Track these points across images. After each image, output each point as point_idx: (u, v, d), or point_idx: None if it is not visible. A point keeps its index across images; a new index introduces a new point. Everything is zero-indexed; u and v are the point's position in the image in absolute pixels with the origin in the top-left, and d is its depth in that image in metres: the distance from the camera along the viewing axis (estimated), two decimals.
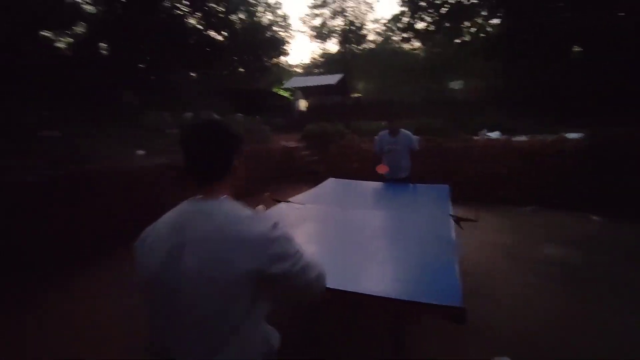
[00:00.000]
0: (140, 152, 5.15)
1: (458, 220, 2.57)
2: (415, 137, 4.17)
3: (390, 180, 4.04)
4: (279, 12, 23.30)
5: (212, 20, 22.07)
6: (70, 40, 17.75)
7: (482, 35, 20.81)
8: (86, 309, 2.58)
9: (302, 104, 19.03)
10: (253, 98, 18.28)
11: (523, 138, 6.29)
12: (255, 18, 22.22)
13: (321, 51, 31.07)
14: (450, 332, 2.16)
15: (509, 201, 5.42)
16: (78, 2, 15.50)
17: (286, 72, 30.85)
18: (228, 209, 0.86)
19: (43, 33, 15.31)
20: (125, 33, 12.97)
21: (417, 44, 23.98)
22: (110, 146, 5.15)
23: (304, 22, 35.14)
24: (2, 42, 10.15)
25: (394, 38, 25.91)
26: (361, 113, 14.08)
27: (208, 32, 21.53)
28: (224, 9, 20.53)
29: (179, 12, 18.56)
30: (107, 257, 3.36)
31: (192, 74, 25.51)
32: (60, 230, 3.32)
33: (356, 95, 22.24)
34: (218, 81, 23.61)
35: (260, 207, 2.32)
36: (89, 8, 15.95)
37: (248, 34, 21.66)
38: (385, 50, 26.21)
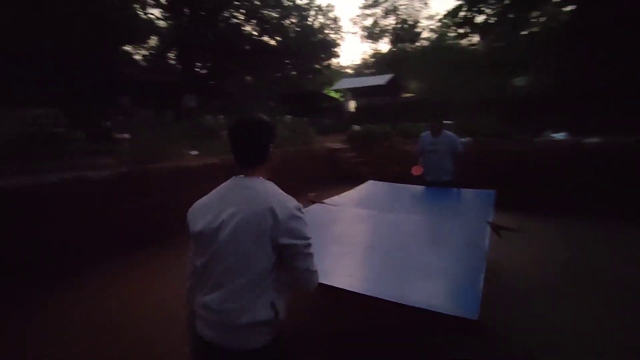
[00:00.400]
0: (194, 152, 5.61)
1: (497, 228, 2.41)
2: (460, 139, 3.97)
3: (431, 183, 3.89)
4: (330, 15, 23.47)
5: (266, 27, 23.11)
6: (145, 52, 19.95)
7: (553, 24, 18.76)
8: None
9: (352, 105, 18.98)
10: (304, 100, 18.73)
11: (595, 140, 5.57)
12: (306, 22, 22.73)
13: (372, 51, 30.68)
14: None
15: (572, 211, 4.87)
16: (152, 19, 17.32)
17: (337, 73, 31.05)
18: (265, 185, 1.06)
19: (125, 48, 17.43)
20: (189, 43, 14.15)
21: (475, 39, 22.48)
22: (171, 147, 5.71)
23: (355, 23, 35.06)
24: (88, 57, 11.76)
25: (450, 34, 24.60)
26: (412, 114, 13.67)
27: (262, 37, 22.59)
28: (277, 15, 21.35)
29: (236, 20, 19.72)
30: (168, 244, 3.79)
31: (247, 77, 26.99)
32: (125, 219, 3.79)
33: (408, 95, 21.57)
34: (272, 84, 24.65)
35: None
36: (161, 23, 17.76)
37: (300, 38, 22.24)
38: (440, 48, 25.02)
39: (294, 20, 22.20)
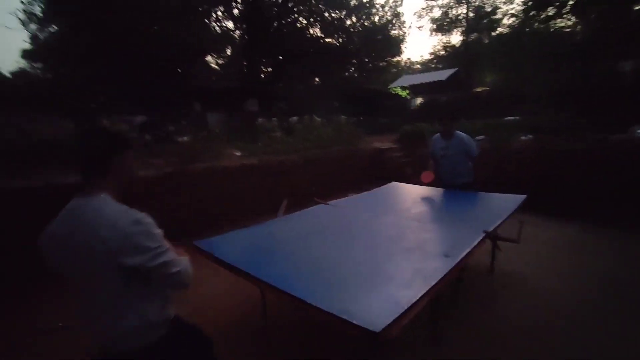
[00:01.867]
0: (238, 153, 6.09)
1: (495, 239, 2.16)
2: (472, 141, 3.61)
3: (449, 186, 3.61)
4: (394, 11, 22.68)
5: (330, 28, 23.44)
6: (220, 61, 22.04)
7: None
8: None
9: (419, 103, 18.16)
10: (367, 99, 18.56)
11: None
12: (370, 20, 22.43)
13: (442, 44, 28.77)
14: None
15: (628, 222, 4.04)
16: (229, 30, 19.04)
17: (404, 69, 29.93)
18: (98, 205, 1.02)
19: (206, 59, 19.55)
20: (252, 50, 15.22)
21: (566, 21, 19.36)
22: (220, 148, 6.30)
23: (420, 16, 33.26)
24: (170, 68, 13.55)
25: (537, 17, 21.63)
26: (484, 109, 12.60)
27: (326, 39, 23.00)
28: (341, 16, 21.52)
29: (299, 24, 20.45)
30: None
31: (316, 79, 27.76)
32: (165, 214, 4.33)
33: (480, 89, 19.73)
34: (336, 85, 24.94)
35: (284, 202, 2.55)
36: (236, 33, 19.42)
37: (363, 37, 22.03)
38: (523, 34, 22.22)
39: (356, 20, 22.10)
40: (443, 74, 15.30)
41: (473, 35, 26.33)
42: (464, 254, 1.84)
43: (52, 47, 13.13)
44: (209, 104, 14.00)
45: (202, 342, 1.34)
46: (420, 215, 2.81)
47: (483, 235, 2.12)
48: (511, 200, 2.96)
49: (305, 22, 20.80)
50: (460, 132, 3.72)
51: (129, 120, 14.09)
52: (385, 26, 22.08)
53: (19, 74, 21.17)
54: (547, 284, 3.04)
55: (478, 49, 24.68)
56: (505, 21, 25.48)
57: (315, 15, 19.94)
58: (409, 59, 33.38)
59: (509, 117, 9.25)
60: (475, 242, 1.99)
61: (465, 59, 23.53)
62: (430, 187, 3.81)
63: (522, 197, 3.03)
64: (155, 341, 1.11)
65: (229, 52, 20.53)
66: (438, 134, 3.77)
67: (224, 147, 6.15)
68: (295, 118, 10.80)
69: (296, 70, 23.31)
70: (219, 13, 16.40)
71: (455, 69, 16.23)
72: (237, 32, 18.79)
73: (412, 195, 3.61)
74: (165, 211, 4.33)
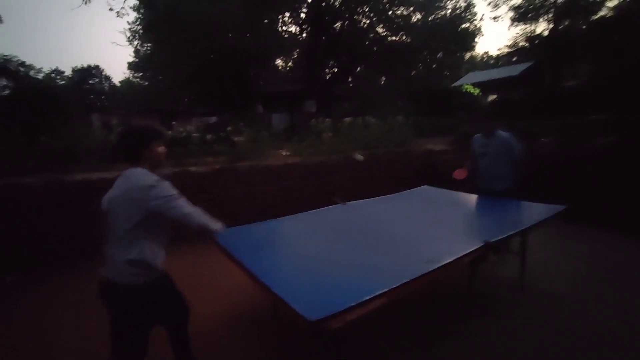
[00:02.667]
0: (284, 152, 6.48)
1: (490, 248, 2.06)
2: (516, 141, 3.35)
3: (484, 192, 3.41)
4: (465, 3, 21.07)
5: (394, 26, 22.85)
6: (288, 64, 23.18)
7: None
8: None
9: (490, 100, 16.71)
10: (434, 98, 17.71)
11: None
12: (438, 15, 21.27)
13: (525, 34, 25.77)
14: None
15: None
16: (294, 34, 20.00)
17: (479, 65, 27.64)
18: (136, 172, 1.55)
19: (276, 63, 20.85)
20: (314, 52, 15.72)
21: None
22: (269, 147, 6.78)
23: (496, 6, 30.22)
24: (240, 74, 14.83)
25: None
26: (569, 106, 11.12)
27: (392, 37, 22.51)
28: (407, 13, 20.86)
29: (363, 24, 20.39)
30: None
31: (382, 78, 27.41)
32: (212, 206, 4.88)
33: (570, 83, 17.23)
34: (401, 83, 24.27)
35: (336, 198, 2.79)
36: (301, 36, 20.29)
37: (431, 33, 21.02)
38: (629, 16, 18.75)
39: (422, 16, 21.17)
40: (515, 69, 13.79)
41: (564, 22, 23.07)
42: (445, 262, 1.81)
43: (147, 59, 15.41)
44: (272, 106, 14.96)
45: (180, 306, 1.64)
46: (430, 219, 2.74)
47: (480, 244, 2.03)
48: (542, 212, 2.70)
49: (368, 21, 20.69)
50: (503, 131, 3.51)
51: (205, 120, 15.78)
52: (454, 20, 20.71)
53: (125, 83, 25.20)
54: (586, 311, 2.70)
55: (570, 38, 21.56)
56: (609, 3, 21.78)
57: (379, 14, 19.67)
58: (486, 52, 30.77)
59: (596, 116, 8.04)
60: (465, 252, 1.93)
61: (552, 49, 20.78)
62: (464, 193, 3.66)
63: (558, 208, 2.74)
64: (143, 283, 1.49)
65: (293, 55, 21.46)
66: (479, 133, 3.63)
67: (273, 146, 6.60)
68: (348, 119, 10.92)
69: (360, 70, 23.32)
70: (285, 18, 17.31)
71: (530, 63, 14.47)
72: (303, 35, 19.61)
73: (436, 199, 3.49)
74: (214, 203, 4.89)
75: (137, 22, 12.95)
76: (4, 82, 15.89)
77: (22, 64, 16.23)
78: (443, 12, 20.88)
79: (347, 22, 18.73)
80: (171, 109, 18.61)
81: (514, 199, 3.26)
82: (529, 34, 25.69)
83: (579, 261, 3.70)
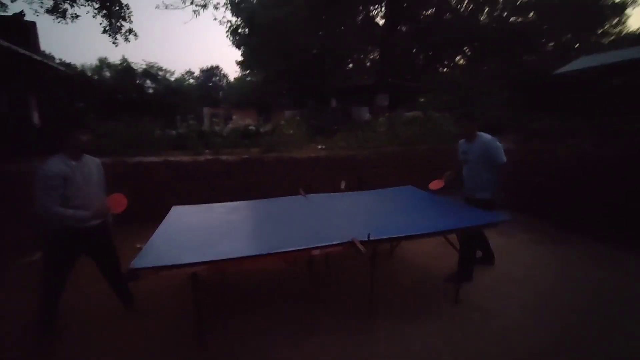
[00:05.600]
0: (321, 146, 6.90)
1: (354, 247, 2.14)
2: (498, 145, 3.01)
3: (468, 201, 3.21)
4: None
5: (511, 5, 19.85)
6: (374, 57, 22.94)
7: None
8: None
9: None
10: (551, 88, 15.07)
11: None
12: None
13: None
14: None
15: None
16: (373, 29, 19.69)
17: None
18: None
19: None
20: (393, 46, 15.25)
21: None
22: (306, 140, 7.30)
23: None
24: (317, 69, 15.58)
25: None
26: None
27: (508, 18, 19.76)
28: None
29: (462, 10, 18.50)
30: None
31: (484, 68, 24.43)
32: (235, 190, 5.71)
33: None
34: (518, 69, 21.13)
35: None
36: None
37: (563, 10, 17.55)
38: None
39: None
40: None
41: None
42: (287, 249, 2.04)
43: (245, 59, 17.61)
44: (348, 100, 15.33)
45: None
46: (358, 214, 2.84)
47: (346, 240, 2.14)
48: (473, 220, 2.51)
49: (470, 6, 18.63)
50: (485, 134, 3.20)
51: (290, 113, 17.23)
52: None
53: (238, 80, 29.11)
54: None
55: None
56: None
57: None
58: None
59: None
60: (320, 244, 2.09)
61: None
62: (444, 198, 3.48)
63: (498, 218, 2.49)
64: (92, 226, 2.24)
65: (368, 49, 21.03)
66: (462, 138, 3.39)
67: (310, 140, 7.10)
68: (412, 113, 10.45)
69: (459, 59, 21.36)
70: (362, 16, 17.10)
71: None
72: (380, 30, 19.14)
73: (408, 200, 3.44)
74: (241, 187, 5.74)
75: (228, 30, 15.02)
76: (148, 83, 20.66)
77: (160, 68, 20.81)
78: None
79: (438, 9, 17.38)
80: (266, 103, 20.89)
81: (490, 209, 3.00)
82: None
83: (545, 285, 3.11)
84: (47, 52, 17.32)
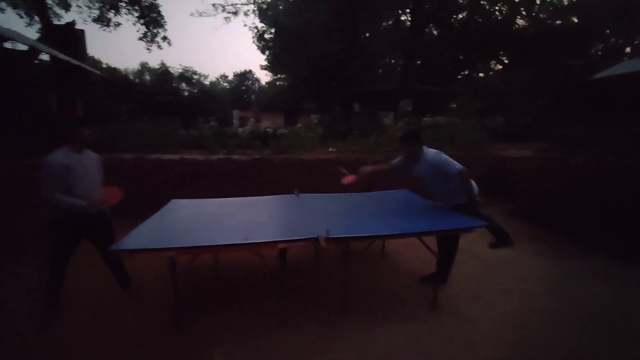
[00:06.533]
0: (331, 149, 7.02)
1: (319, 243, 2.24)
2: (443, 157, 2.94)
3: (454, 207, 3.18)
4: None
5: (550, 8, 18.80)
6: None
7: None
8: None
9: None
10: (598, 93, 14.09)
11: None
12: None
13: None
14: None
15: None
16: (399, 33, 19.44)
17: None
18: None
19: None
20: (415, 52, 15.02)
21: None
22: (318, 143, 7.44)
23: None
24: (342, 74, 15.72)
25: None
26: None
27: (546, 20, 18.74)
28: None
29: (496, 14, 17.83)
30: None
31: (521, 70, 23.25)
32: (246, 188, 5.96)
33: None
34: (561, 74, 19.98)
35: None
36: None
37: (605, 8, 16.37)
38: None
39: None
40: None
41: None
42: (255, 241, 2.18)
43: (273, 64, 18.15)
44: (371, 104, 15.31)
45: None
46: (339, 216, 2.92)
47: (312, 236, 2.24)
48: (447, 224, 2.50)
49: (505, 9, 17.86)
50: (429, 150, 3.06)
51: (311, 117, 17.52)
52: None
53: (269, 84, 29.92)
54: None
55: None
56: None
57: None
58: None
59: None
60: (280, 239, 2.22)
61: None
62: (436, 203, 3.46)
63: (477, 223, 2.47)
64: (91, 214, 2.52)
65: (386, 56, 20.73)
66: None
67: (321, 142, 7.24)
68: (438, 118, 10.25)
69: (493, 63, 20.57)
70: (399, 16, 17.03)
71: None
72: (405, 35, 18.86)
73: (395, 202, 3.47)
74: (252, 185, 5.98)
75: (255, 35, 15.61)
76: (184, 86, 21.90)
77: (194, 72, 21.99)
78: None
79: (471, 12, 16.89)
80: (292, 107, 21.38)
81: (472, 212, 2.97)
82: None
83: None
84: (96, 57, 18.90)
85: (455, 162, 2.92)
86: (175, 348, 2.29)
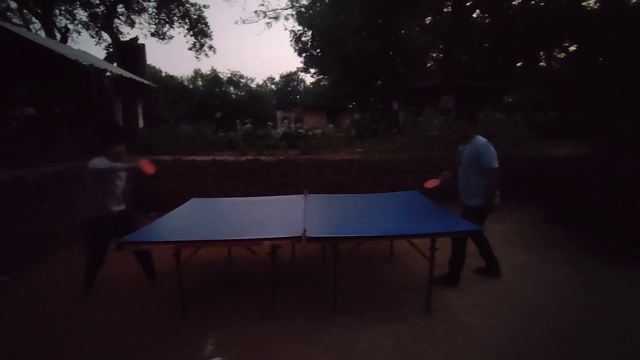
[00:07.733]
0: (358, 149, 7.05)
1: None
2: (490, 149, 2.90)
3: (462, 206, 3.17)
4: None
5: None
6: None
7: None
8: None
9: None
10: None
11: None
12: None
13: None
14: None
15: None
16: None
17: None
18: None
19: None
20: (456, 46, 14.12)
21: None
22: (343, 143, 7.50)
23: None
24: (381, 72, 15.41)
25: None
26: None
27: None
28: None
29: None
30: None
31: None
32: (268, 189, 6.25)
33: None
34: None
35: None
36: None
37: None
38: None
39: None
40: None
41: None
42: (242, 238, 2.38)
43: (307, 65, 18.31)
44: (412, 102, 14.86)
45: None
46: (334, 217, 3.02)
47: (295, 235, 2.38)
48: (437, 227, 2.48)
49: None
50: (480, 138, 3.09)
51: (353, 116, 17.53)
52: None
53: (314, 84, 30.32)
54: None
55: None
56: None
57: None
58: None
59: None
60: (269, 236, 2.38)
61: None
62: (441, 206, 3.41)
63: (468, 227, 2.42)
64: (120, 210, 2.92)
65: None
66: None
67: (348, 143, 7.31)
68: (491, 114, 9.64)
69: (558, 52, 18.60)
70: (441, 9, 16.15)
71: None
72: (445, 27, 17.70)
73: (399, 205, 3.46)
74: (277, 185, 6.28)
75: (292, 38, 15.93)
76: (232, 89, 23.25)
77: (242, 76, 23.26)
78: None
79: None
80: (334, 107, 21.53)
81: (477, 217, 2.90)
82: None
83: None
84: (157, 67, 20.93)
85: (495, 159, 2.92)
86: (179, 331, 2.59)
